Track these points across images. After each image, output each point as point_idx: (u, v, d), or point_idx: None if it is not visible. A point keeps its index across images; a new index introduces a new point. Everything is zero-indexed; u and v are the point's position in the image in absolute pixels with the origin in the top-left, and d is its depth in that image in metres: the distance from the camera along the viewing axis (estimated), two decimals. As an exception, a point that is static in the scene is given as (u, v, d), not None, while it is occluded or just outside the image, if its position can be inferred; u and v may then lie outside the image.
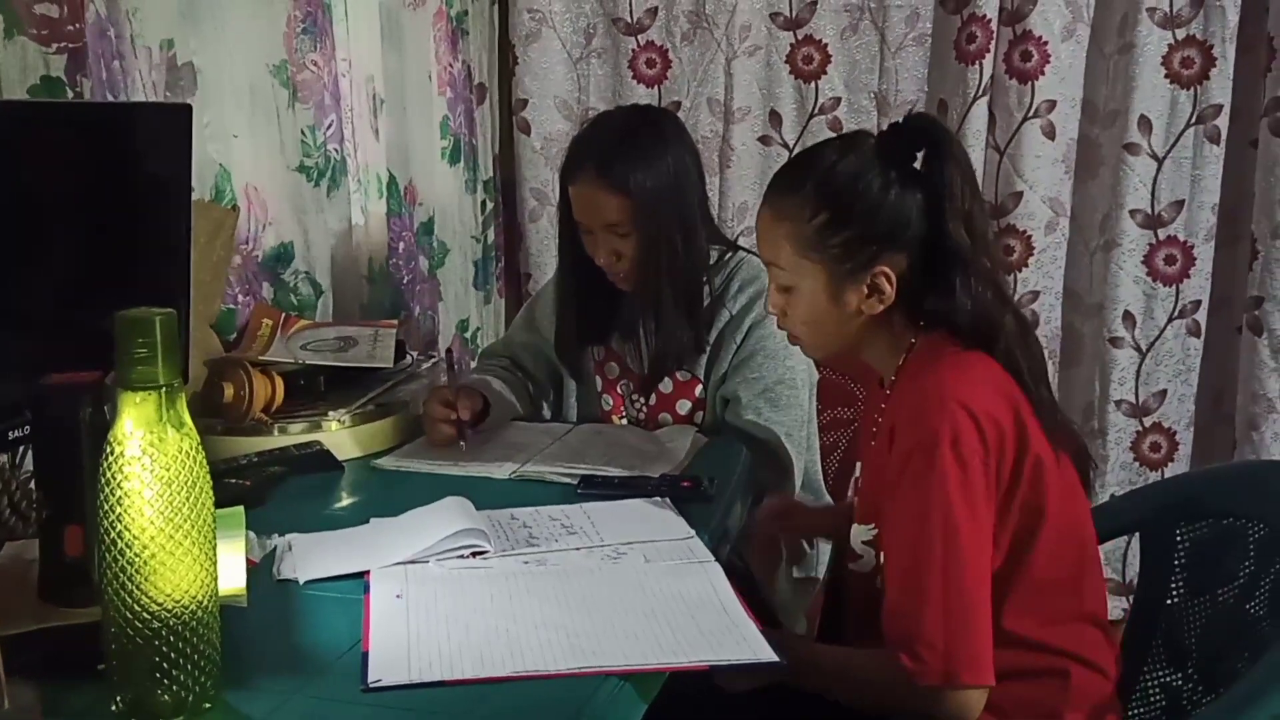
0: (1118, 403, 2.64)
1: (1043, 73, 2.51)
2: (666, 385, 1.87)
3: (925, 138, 1.31)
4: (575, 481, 1.51)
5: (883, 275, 1.29)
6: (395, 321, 1.99)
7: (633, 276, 1.81)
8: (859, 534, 1.37)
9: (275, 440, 1.60)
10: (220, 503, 0.92)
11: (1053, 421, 1.28)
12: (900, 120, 1.35)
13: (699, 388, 1.86)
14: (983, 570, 1.22)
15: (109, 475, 0.85)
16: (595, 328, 1.92)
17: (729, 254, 1.87)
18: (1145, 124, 2.51)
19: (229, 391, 1.59)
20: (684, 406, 1.87)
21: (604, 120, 1.92)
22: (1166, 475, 2.63)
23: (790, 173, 1.37)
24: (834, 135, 1.68)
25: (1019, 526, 1.25)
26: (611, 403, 1.95)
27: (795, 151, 2.67)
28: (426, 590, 1.15)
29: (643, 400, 1.91)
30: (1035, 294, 2.61)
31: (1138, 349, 2.62)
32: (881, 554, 1.32)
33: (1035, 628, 1.27)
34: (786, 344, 1.77)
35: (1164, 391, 2.63)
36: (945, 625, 1.19)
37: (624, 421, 1.93)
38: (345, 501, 1.52)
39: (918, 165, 1.30)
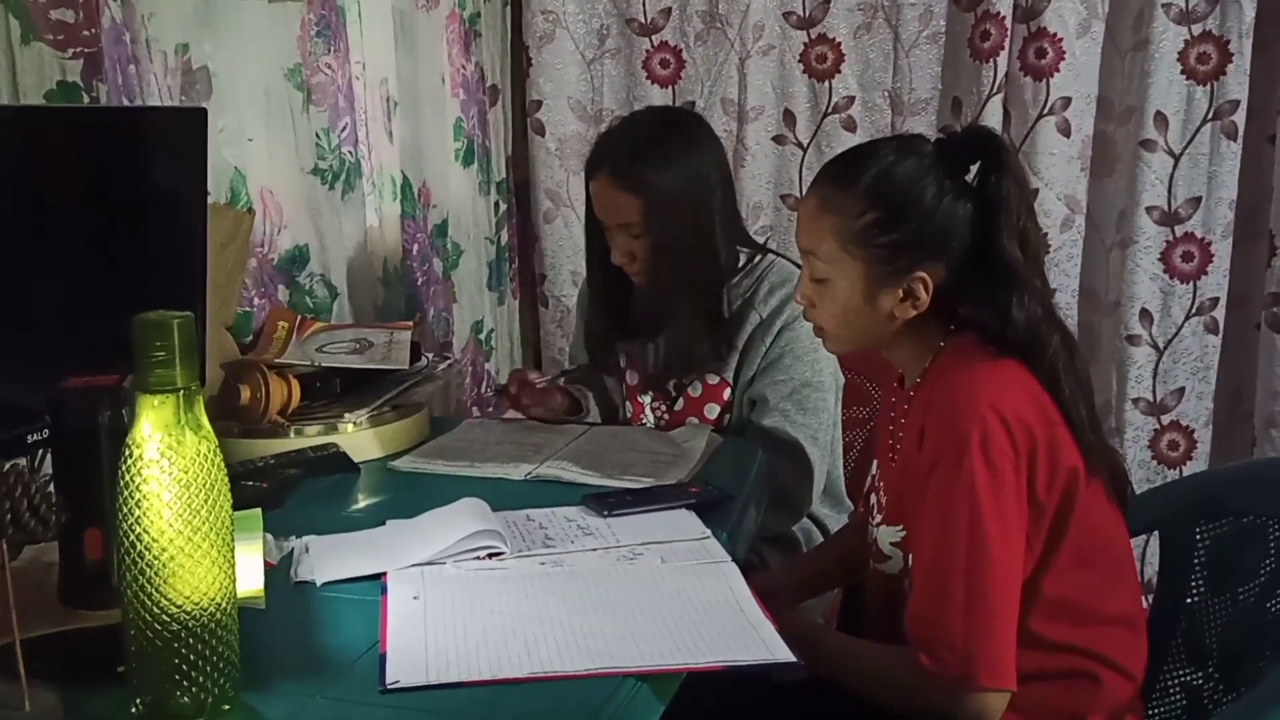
0: (1135, 401, 2.63)
1: (1058, 69, 2.50)
2: (696, 389, 1.86)
3: (985, 151, 1.30)
4: (579, 500, 1.41)
5: (920, 281, 1.29)
6: (410, 323, 1.99)
7: (645, 277, 1.81)
8: (887, 535, 1.37)
9: (292, 442, 1.61)
10: (238, 505, 0.93)
11: (1088, 441, 1.27)
12: (960, 130, 1.34)
13: (727, 391, 1.85)
14: (1010, 573, 1.21)
15: (128, 478, 0.85)
16: (620, 324, 1.91)
17: (758, 257, 1.86)
18: (1161, 120, 2.50)
19: (245, 394, 1.60)
20: (712, 410, 1.86)
21: (630, 120, 1.94)
22: (1185, 474, 2.61)
23: (844, 166, 1.35)
24: (890, 136, 1.67)
25: (1048, 531, 1.25)
26: (632, 410, 1.94)
27: (809, 150, 2.67)
28: (443, 592, 1.15)
29: (664, 407, 1.90)
30: (1052, 292, 2.59)
31: (1155, 347, 2.60)
32: (910, 555, 1.31)
33: (1062, 630, 1.26)
34: (815, 347, 1.77)
35: (1182, 389, 2.62)
36: (966, 627, 1.19)
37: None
38: (362, 503, 1.52)
39: (970, 178, 1.29)
